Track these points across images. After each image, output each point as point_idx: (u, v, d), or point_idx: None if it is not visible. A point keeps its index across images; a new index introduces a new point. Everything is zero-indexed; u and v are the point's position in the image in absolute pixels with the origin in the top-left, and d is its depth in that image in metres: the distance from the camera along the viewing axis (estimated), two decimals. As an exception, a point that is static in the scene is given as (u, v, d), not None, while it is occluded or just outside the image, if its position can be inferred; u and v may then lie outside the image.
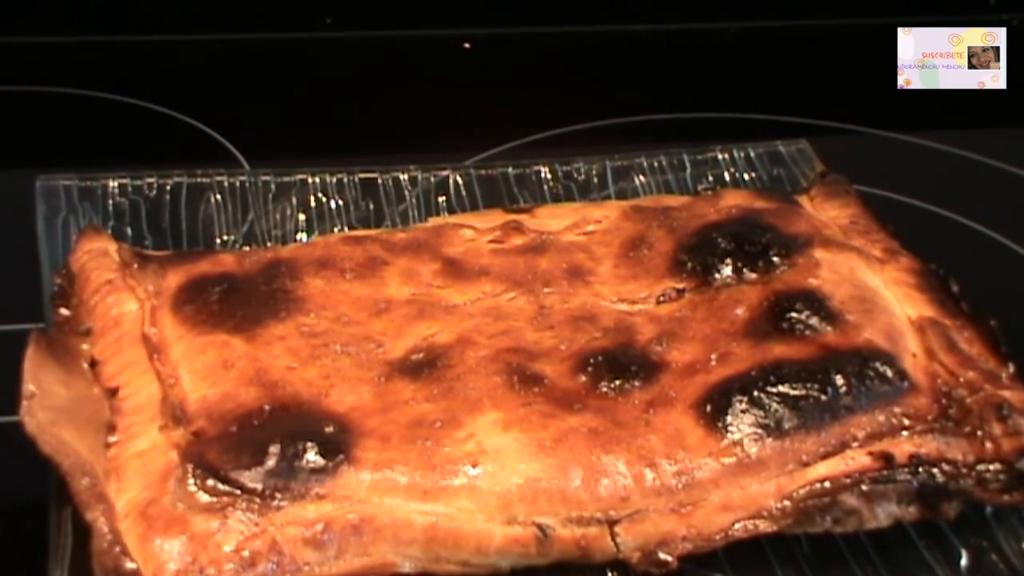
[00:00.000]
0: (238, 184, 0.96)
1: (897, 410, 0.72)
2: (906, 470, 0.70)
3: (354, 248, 0.83)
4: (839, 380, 0.72)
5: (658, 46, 1.40)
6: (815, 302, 0.77)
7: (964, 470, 0.70)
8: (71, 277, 0.81)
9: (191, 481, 0.66)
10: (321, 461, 0.67)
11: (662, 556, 0.68)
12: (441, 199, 0.97)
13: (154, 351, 0.75)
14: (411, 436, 0.69)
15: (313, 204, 0.96)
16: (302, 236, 0.93)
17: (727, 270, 0.81)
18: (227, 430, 0.69)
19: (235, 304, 0.77)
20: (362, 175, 0.98)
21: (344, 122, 1.22)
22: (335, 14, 1.35)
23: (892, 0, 1.37)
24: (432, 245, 0.84)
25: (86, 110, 1.21)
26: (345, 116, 1.23)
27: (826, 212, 0.91)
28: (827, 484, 0.69)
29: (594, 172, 1.01)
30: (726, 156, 1.03)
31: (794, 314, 0.76)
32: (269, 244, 0.92)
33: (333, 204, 0.96)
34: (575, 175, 1.01)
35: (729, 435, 0.70)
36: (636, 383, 0.73)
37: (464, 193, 0.98)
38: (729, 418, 0.70)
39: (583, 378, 0.74)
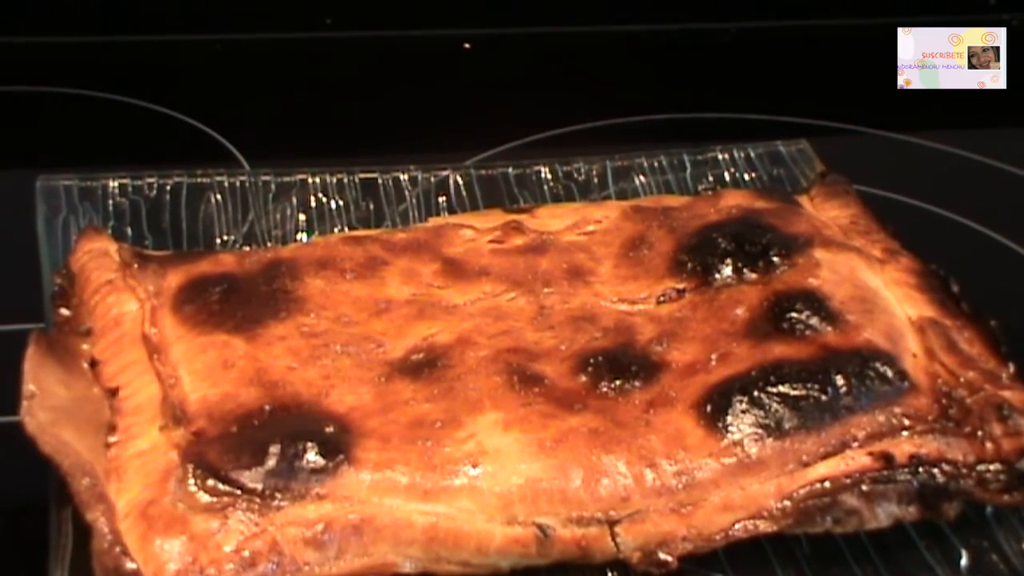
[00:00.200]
0: (238, 184, 0.96)
1: (897, 410, 0.72)
2: (906, 470, 0.70)
3: (354, 248, 0.83)
4: (839, 380, 0.72)
5: (658, 46, 1.40)
6: (815, 302, 0.77)
7: (964, 470, 0.70)
8: (71, 277, 0.81)
9: (191, 481, 0.66)
10: (321, 461, 0.67)
11: (662, 556, 0.68)
12: (441, 199, 0.97)
13: (154, 351, 0.75)
14: (411, 436, 0.69)
15: (313, 204, 0.96)
16: (302, 236, 0.93)
17: (727, 270, 0.81)
18: (227, 430, 0.69)
19: (235, 304, 0.77)
20: (362, 175, 0.98)
21: (344, 122, 1.22)
22: (335, 14, 1.35)
23: (892, 0, 1.37)
24: (432, 245, 0.84)
25: (86, 110, 1.21)
26: (345, 116, 1.23)
27: (826, 212, 0.91)
28: (827, 484, 0.69)
29: (594, 172, 1.01)
30: (726, 156, 1.03)
31: (794, 314, 0.76)
32: (269, 244, 0.92)
33: (333, 204, 0.96)
34: (575, 175, 1.01)
35: (729, 435, 0.70)
36: (636, 383, 0.73)
37: (464, 193, 0.98)
38: (729, 418, 0.70)
39: (583, 378, 0.74)
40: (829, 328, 0.76)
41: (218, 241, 0.92)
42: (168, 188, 0.95)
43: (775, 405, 0.71)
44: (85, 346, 0.76)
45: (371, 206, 0.96)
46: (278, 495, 0.66)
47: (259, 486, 0.66)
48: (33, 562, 0.67)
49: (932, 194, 1.07)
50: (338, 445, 0.68)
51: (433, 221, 0.89)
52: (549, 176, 1.00)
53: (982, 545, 0.71)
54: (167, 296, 0.79)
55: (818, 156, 1.02)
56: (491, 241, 0.85)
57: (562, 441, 0.69)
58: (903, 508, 0.70)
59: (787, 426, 0.70)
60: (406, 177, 0.99)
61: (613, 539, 0.68)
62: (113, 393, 0.73)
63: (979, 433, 0.72)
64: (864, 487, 0.69)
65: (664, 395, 0.72)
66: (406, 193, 0.98)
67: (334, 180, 0.97)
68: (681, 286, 0.81)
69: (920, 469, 0.70)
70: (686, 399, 0.72)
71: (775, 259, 0.81)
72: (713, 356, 0.75)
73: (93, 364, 0.75)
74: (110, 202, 0.93)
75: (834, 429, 0.71)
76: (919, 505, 0.70)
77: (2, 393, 0.72)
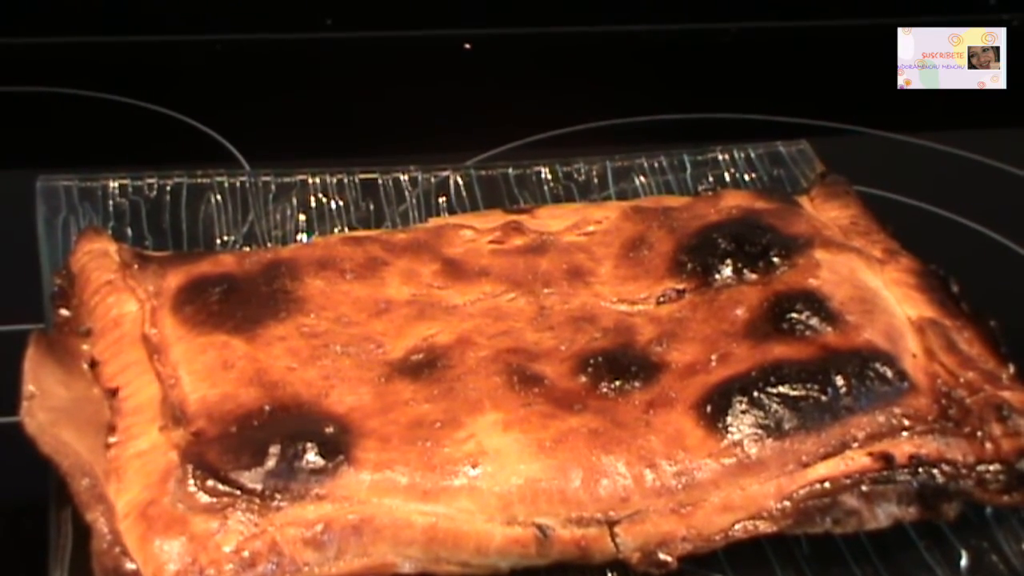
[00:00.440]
0: (238, 185, 0.96)
1: (897, 410, 0.72)
2: (906, 471, 0.70)
3: (354, 249, 0.83)
4: (839, 380, 0.72)
5: (658, 46, 1.40)
6: (815, 303, 0.77)
7: (964, 471, 0.70)
8: (71, 278, 0.81)
9: (191, 482, 0.66)
10: (321, 462, 0.67)
11: (662, 557, 0.68)
12: (441, 200, 0.97)
13: (154, 351, 0.75)
14: (411, 437, 0.69)
15: (313, 205, 0.96)
16: (302, 237, 0.93)
17: (727, 271, 0.81)
18: (227, 430, 0.69)
19: (235, 305, 0.77)
20: (362, 176, 0.98)
21: (344, 122, 1.22)
22: (335, 15, 1.35)
23: (892, 0, 1.37)
24: (432, 246, 0.84)
25: (86, 110, 1.20)
26: (345, 116, 1.23)
27: (826, 213, 0.91)
28: (827, 485, 0.69)
29: (594, 173, 1.01)
30: (726, 157, 1.03)
31: (794, 315, 0.76)
32: (269, 245, 0.92)
33: (333, 205, 0.96)
34: (575, 176, 1.01)
35: (729, 436, 0.70)
36: (636, 384, 0.73)
37: (464, 194, 0.98)
38: (729, 419, 0.70)
39: (583, 379, 0.74)
40: (829, 328, 0.76)
41: (218, 242, 0.92)
42: (168, 188, 0.95)
43: (775, 405, 0.71)
44: (85, 347, 0.76)
45: (371, 206, 0.96)
46: (278, 495, 0.66)
47: (259, 486, 0.66)
48: (33, 562, 0.67)
49: (932, 194, 1.07)
50: (338, 445, 0.68)
51: (433, 221, 0.89)
52: (549, 176, 1.00)
53: (982, 546, 0.71)
54: (167, 297, 0.79)
55: (818, 156, 1.02)
56: (491, 241, 0.85)
57: (562, 441, 0.69)
58: (903, 508, 0.70)
59: (787, 426, 0.70)
60: (406, 177, 0.99)
61: (613, 539, 0.68)
62: (113, 393, 0.73)
63: (979, 433, 0.72)
64: (864, 487, 0.69)
65: (664, 395, 0.72)
66: (406, 193, 0.98)
67: (334, 180, 0.97)
68: (681, 286, 0.81)
69: (920, 469, 0.70)
70: (686, 399, 0.72)
71: (775, 259, 0.81)
72: (713, 356, 0.75)
73: (93, 364, 0.75)
74: (110, 202, 0.93)
75: (834, 429, 0.71)
76: (919, 505, 0.70)
77: (2, 393, 0.71)
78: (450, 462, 0.68)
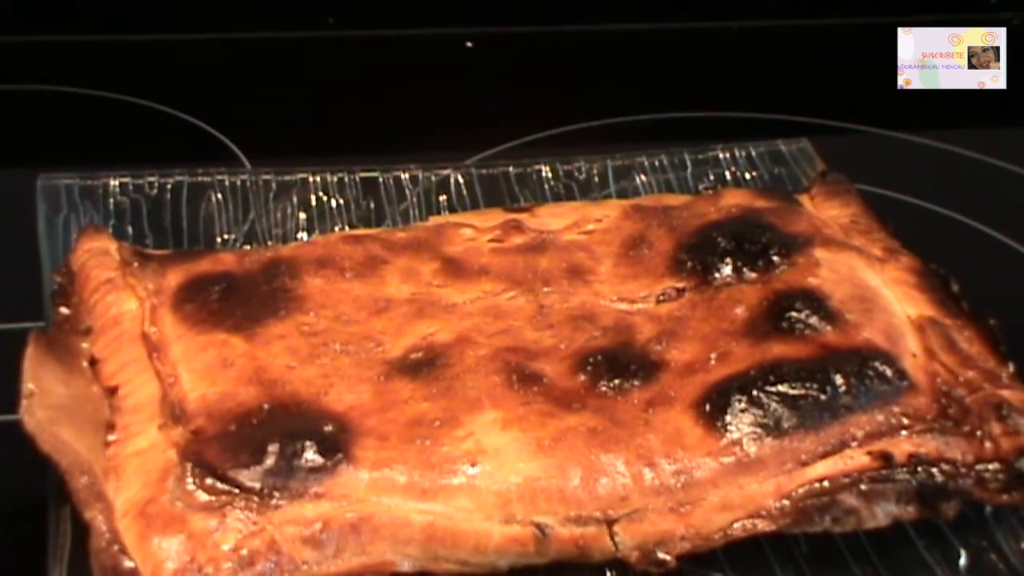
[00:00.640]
0: (239, 183, 0.96)
1: (896, 409, 0.72)
2: (905, 470, 0.70)
3: (354, 247, 0.83)
4: (838, 379, 0.72)
5: (660, 45, 1.40)
6: (815, 301, 0.77)
7: (963, 470, 0.70)
8: (71, 276, 0.81)
9: (190, 480, 0.66)
10: (320, 460, 0.67)
11: (661, 555, 0.68)
12: (442, 198, 0.97)
13: (154, 350, 0.75)
14: (410, 435, 0.69)
15: (314, 203, 0.96)
16: (303, 235, 0.93)
17: (727, 269, 0.81)
18: (226, 429, 0.69)
19: (235, 303, 0.77)
20: (363, 174, 0.98)
21: (346, 120, 1.22)
22: (337, 13, 1.36)
23: (892, 0, 1.37)
24: (432, 244, 0.84)
25: (87, 109, 1.20)
26: (347, 114, 1.23)
27: (827, 211, 0.91)
28: (826, 483, 0.69)
29: (595, 171, 1.01)
30: (727, 155, 1.03)
31: (794, 313, 0.76)
32: (270, 243, 0.92)
33: (334, 203, 0.96)
34: (576, 174, 1.01)
35: (728, 434, 0.70)
36: (635, 382, 0.73)
37: (465, 192, 0.98)
38: (728, 417, 0.70)
39: (582, 377, 0.74)
40: (828, 327, 0.75)
41: (219, 240, 0.92)
42: (169, 187, 0.95)
43: (774, 404, 0.71)
44: (85, 344, 0.76)
45: (372, 205, 0.96)
46: (276, 494, 0.66)
47: (257, 485, 0.66)
48: (32, 560, 0.67)
49: (932, 192, 1.07)
50: (336, 444, 0.68)
51: (433, 220, 0.89)
52: (550, 175, 1.00)
53: (981, 544, 0.71)
54: (167, 295, 0.79)
55: (819, 155, 1.02)
56: (491, 240, 0.85)
57: (561, 440, 0.69)
58: (902, 507, 0.70)
59: (786, 425, 0.70)
60: (407, 176, 0.99)
61: (611, 538, 0.68)
62: (112, 392, 0.73)
63: (978, 432, 0.71)
64: (863, 486, 0.69)
65: (663, 394, 0.72)
66: (407, 192, 0.98)
67: (335, 179, 0.97)
68: (681, 285, 0.81)
69: (919, 468, 0.70)
70: (685, 398, 0.72)
71: (775, 258, 0.81)
72: (712, 355, 0.75)
73: (92, 363, 0.75)
74: (111, 201, 0.93)
75: (833, 428, 0.71)
76: (918, 504, 0.70)
77: (2, 391, 0.71)
78: (449, 461, 0.68)
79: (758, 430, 0.70)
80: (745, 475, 0.69)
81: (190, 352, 0.74)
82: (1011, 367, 0.76)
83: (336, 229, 0.93)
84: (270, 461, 0.66)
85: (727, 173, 1.02)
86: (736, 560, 0.70)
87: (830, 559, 0.70)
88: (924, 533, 0.71)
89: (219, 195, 0.95)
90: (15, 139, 1.17)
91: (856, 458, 0.70)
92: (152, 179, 0.95)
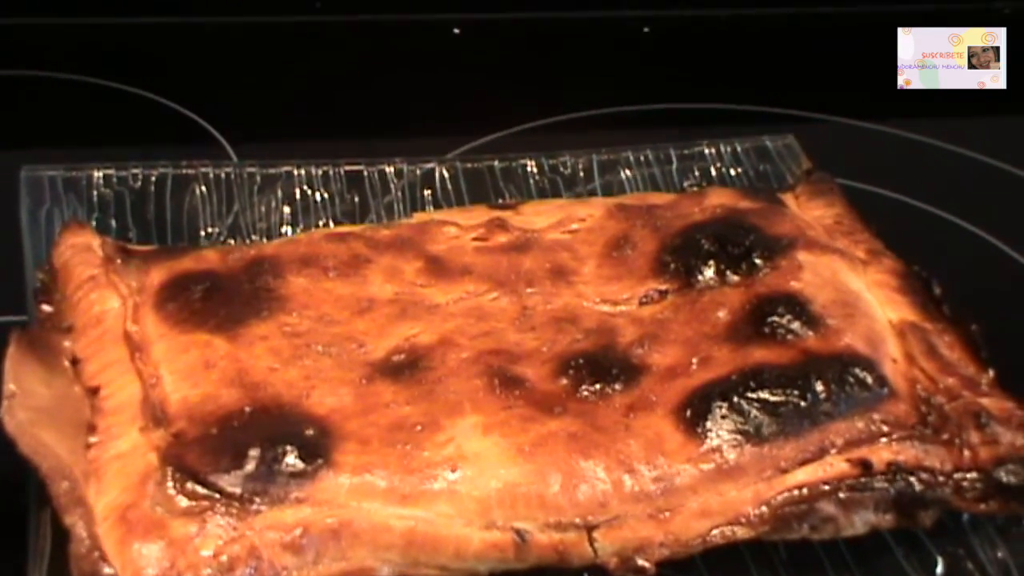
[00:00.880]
0: (223, 176, 0.96)
1: (876, 417, 0.72)
2: (883, 478, 0.70)
3: (337, 246, 0.83)
4: (819, 386, 0.72)
5: (648, 34, 1.39)
6: (797, 306, 0.77)
7: (941, 478, 0.71)
8: (54, 272, 0.81)
9: (170, 484, 0.66)
10: (300, 465, 0.67)
11: (640, 562, 0.68)
12: (427, 192, 0.97)
13: (136, 349, 0.75)
14: (391, 439, 0.69)
15: (298, 196, 0.96)
16: (287, 229, 0.93)
17: (710, 272, 0.81)
18: (207, 432, 0.69)
19: (217, 303, 0.77)
20: (348, 167, 0.98)
21: (332, 106, 1.21)
22: (324, -2, 1.35)
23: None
24: (416, 243, 0.84)
25: (69, 94, 1.19)
26: (333, 100, 1.22)
27: (811, 211, 0.91)
28: (805, 491, 0.70)
29: (580, 166, 1.01)
30: (713, 151, 1.03)
31: (775, 318, 0.76)
32: (254, 237, 0.92)
33: (318, 197, 0.96)
34: (561, 168, 1.01)
35: (708, 441, 0.70)
36: (617, 386, 0.73)
37: (450, 186, 0.98)
38: (709, 423, 0.71)
39: (564, 381, 0.74)
40: (810, 332, 0.76)
41: (203, 233, 0.92)
42: (153, 179, 0.95)
43: (755, 411, 0.71)
44: (67, 343, 0.76)
45: (356, 199, 0.96)
46: (257, 499, 0.66)
47: (238, 490, 0.66)
48: (13, 564, 0.67)
49: (915, 188, 1.07)
50: (317, 448, 0.68)
51: (417, 217, 0.89)
52: (535, 170, 1.00)
53: (958, 553, 0.71)
54: (149, 293, 0.79)
55: (806, 149, 1.02)
56: (475, 239, 0.85)
57: (541, 446, 0.69)
58: (880, 516, 0.70)
59: (766, 432, 0.70)
60: (391, 169, 0.99)
61: (591, 544, 0.68)
62: (94, 392, 0.73)
63: (957, 441, 0.72)
64: (841, 494, 0.70)
65: (644, 399, 0.73)
66: (391, 186, 0.97)
67: (320, 172, 0.97)
68: (664, 287, 0.81)
69: (898, 477, 0.70)
70: (666, 403, 0.72)
71: (758, 261, 0.81)
72: (694, 360, 0.75)
73: (74, 362, 0.75)
74: (94, 193, 0.93)
75: (813, 435, 0.71)
76: (896, 513, 0.70)
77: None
78: (429, 466, 0.68)
79: (738, 437, 0.70)
80: (725, 482, 0.70)
81: (172, 352, 0.74)
82: (991, 373, 0.76)
83: (320, 224, 0.93)
84: (251, 466, 0.66)
85: (712, 169, 1.02)
86: (715, 566, 0.70)
87: (809, 566, 0.71)
88: (902, 541, 0.72)
89: (203, 188, 0.95)
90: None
91: (835, 465, 0.71)
92: (136, 171, 0.95)
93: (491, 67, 1.30)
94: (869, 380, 0.73)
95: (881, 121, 1.20)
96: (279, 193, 0.95)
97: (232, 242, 0.90)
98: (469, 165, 1.00)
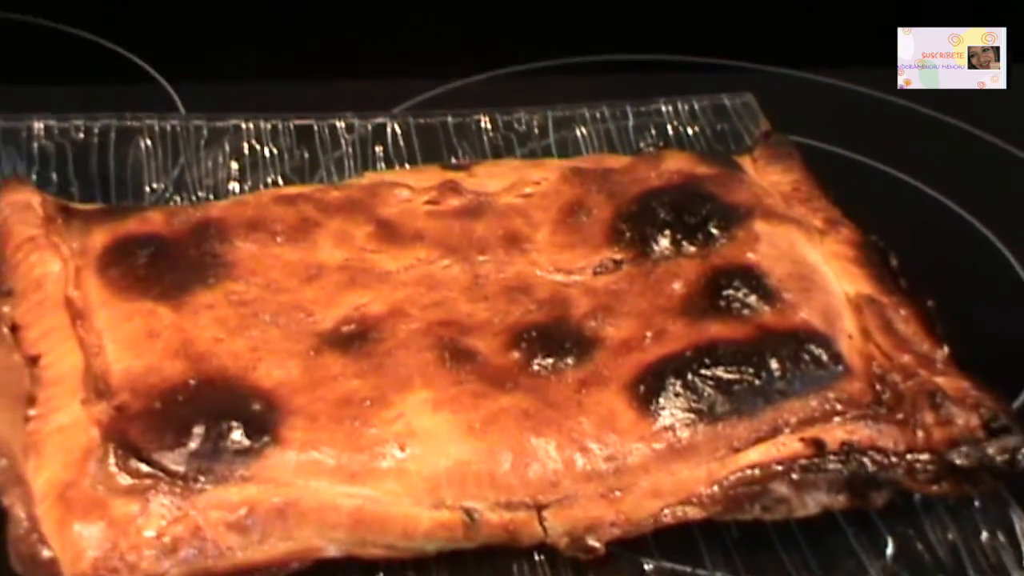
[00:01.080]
0: (169, 129, 0.94)
1: (831, 395, 0.71)
2: (837, 459, 0.69)
3: (286, 209, 0.81)
4: (774, 364, 0.71)
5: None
6: (753, 279, 0.76)
7: (894, 459, 0.70)
8: (-9, 233, 0.79)
9: (112, 462, 0.65)
10: (246, 442, 0.66)
11: (590, 542, 0.68)
12: (378, 148, 0.96)
13: (77, 316, 0.73)
14: (339, 415, 0.68)
15: (247, 151, 0.94)
16: (234, 186, 0.91)
17: (665, 242, 0.80)
18: (151, 406, 0.67)
19: (162, 269, 0.75)
20: (297, 122, 0.96)
21: (284, 50, 1.18)
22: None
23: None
24: (366, 205, 0.82)
25: (11, 36, 1.16)
26: (285, 44, 1.19)
27: (768, 176, 0.89)
28: (757, 472, 0.69)
29: (535, 123, 0.99)
30: (670, 108, 1.02)
31: (731, 291, 0.76)
32: (200, 194, 0.90)
33: (267, 152, 0.94)
34: (515, 125, 0.99)
35: (661, 419, 0.69)
36: (569, 360, 0.72)
37: (402, 142, 0.96)
38: (662, 401, 0.70)
39: (516, 354, 0.73)
40: (766, 307, 0.75)
41: (147, 189, 0.90)
42: (96, 131, 0.93)
43: (708, 389, 0.70)
44: (6, 308, 0.74)
45: (306, 155, 0.95)
46: (201, 478, 0.65)
47: (182, 468, 0.65)
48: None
49: (875, 148, 1.06)
50: (264, 424, 0.67)
51: (368, 177, 0.88)
52: (489, 126, 0.99)
53: (908, 534, 0.71)
54: (92, 256, 0.77)
55: (763, 106, 1.01)
56: (427, 202, 0.83)
57: (492, 423, 0.68)
58: (832, 496, 0.70)
59: (720, 411, 0.70)
60: (342, 124, 0.97)
61: (541, 524, 0.68)
62: (34, 361, 0.71)
63: (911, 421, 0.71)
64: (794, 475, 0.69)
65: (597, 374, 0.72)
66: (342, 141, 0.96)
67: (268, 126, 0.96)
68: (618, 257, 0.80)
69: (851, 457, 0.70)
70: (619, 379, 0.71)
71: (714, 231, 0.80)
72: (648, 333, 0.74)
73: (14, 328, 0.73)
74: (35, 145, 0.91)
75: (766, 414, 0.70)
76: (848, 493, 0.70)
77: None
78: (378, 443, 0.67)
79: (691, 415, 0.69)
80: (677, 461, 0.69)
81: (115, 321, 0.72)
82: (946, 350, 0.76)
83: (269, 180, 0.91)
84: (195, 443, 0.65)
85: (669, 127, 1.01)
86: (665, 545, 0.69)
87: (759, 545, 0.70)
88: (853, 521, 0.71)
89: (148, 141, 0.93)
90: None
91: (788, 444, 0.70)
92: (79, 122, 0.93)
93: (445, 14, 1.27)
94: (824, 357, 0.72)
95: (842, 77, 1.18)
96: (226, 148, 0.94)
97: (178, 199, 0.89)
98: (421, 120, 0.98)
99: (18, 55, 1.14)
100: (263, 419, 0.67)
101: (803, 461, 0.69)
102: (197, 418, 0.66)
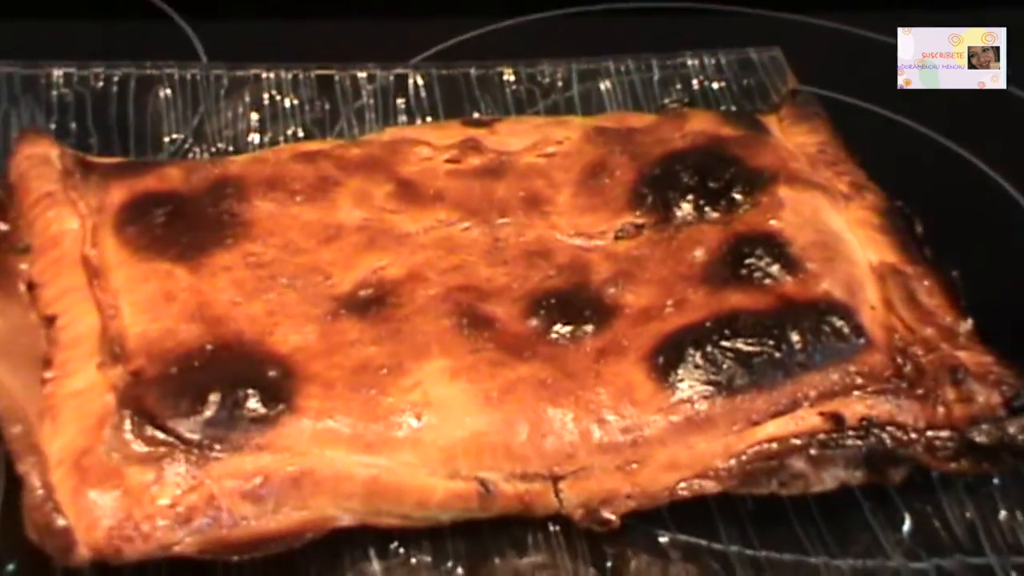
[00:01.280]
0: (189, 78, 0.93)
1: (851, 368, 0.71)
2: (855, 434, 0.69)
3: (305, 167, 0.80)
4: (795, 336, 0.70)
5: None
6: (775, 247, 0.75)
7: (914, 435, 0.69)
8: (9, 187, 0.78)
9: (127, 429, 0.65)
10: (262, 410, 0.66)
11: (605, 514, 0.67)
12: (400, 101, 0.94)
13: (94, 275, 0.73)
14: (355, 383, 0.68)
15: (267, 102, 0.93)
16: (254, 137, 0.90)
17: (688, 207, 0.79)
18: (167, 371, 0.67)
19: (180, 229, 0.75)
20: (318, 72, 0.95)
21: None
22: None
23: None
24: (387, 164, 0.81)
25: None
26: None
27: (794, 137, 0.88)
28: (775, 446, 0.68)
29: (559, 75, 0.98)
30: (696, 62, 1.01)
31: (753, 260, 0.75)
32: (220, 145, 0.89)
33: (288, 103, 0.93)
34: (538, 78, 0.98)
35: (679, 391, 0.69)
36: (588, 328, 0.72)
37: (424, 94, 0.95)
38: (681, 372, 0.69)
39: (535, 322, 0.72)
40: (788, 277, 0.74)
41: (166, 140, 0.90)
42: (116, 80, 0.92)
43: (728, 361, 0.70)
44: (23, 265, 0.74)
45: (327, 105, 0.94)
46: (217, 446, 0.65)
47: (197, 436, 0.65)
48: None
49: (903, 104, 1.04)
50: (280, 392, 0.66)
51: (389, 132, 0.86)
52: (512, 78, 0.97)
53: (926, 510, 0.71)
54: (109, 214, 0.76)
55: (790, 58, 0.99)
56: (448, 160, 0.82)
57: (509, 392, 0.68)
58: (850, 472, 0.69)
59: (739, 383, 0.69)
60: (364, 75, 0.96)
61: (556, 495, 0.67)
62: (50, 321, 0.71)
63: (932, 396, 0.71)
64: (812, 451, 0.68)
65: (616, 343, 0.71)
66: (363, 92, 0.94)
67: (289, 76, 0.95)
68: (640, 221, 0.79)
69: (870, 433, 0.69)
70: (638, 349, 0.70)
71: (738, 197, 0.79)
72: (668, 302, 0.73)
73: (31, 287, 0.73)
74: (54, 94, 0.90)
75: (786, 387, 0.70)
76: (866, 469, 0.69)
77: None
78: (394, 412, 0.67)
79: (710, 388, 0.69)
80: (694, 434, 0.68)
81: (132, 282, 0.72)
82: (969, 322, 0.75)
83: (289, 132, 0.90)
84: (211, 411, 0.65)
85: (695, 82, 0.99)
86: (680, 518, 0.69)
87: (775, 519, 0.70)
88: (870, 496, 0.71)
89: (168, 90, 0.92)
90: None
91: (807, 419, 0.69)
92: (98, 70, 0.92)
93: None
94: (846, 330, 0.72)
95: (873, 27, 1.15)
96: (247, 98, 0.93)
97: (197, 150, 0.88)
98: (444, 72, 0.97)
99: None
100: (279, 386, 0.67)
101: (821, 436, 0.69)
102: (213, 385, 0.66)
